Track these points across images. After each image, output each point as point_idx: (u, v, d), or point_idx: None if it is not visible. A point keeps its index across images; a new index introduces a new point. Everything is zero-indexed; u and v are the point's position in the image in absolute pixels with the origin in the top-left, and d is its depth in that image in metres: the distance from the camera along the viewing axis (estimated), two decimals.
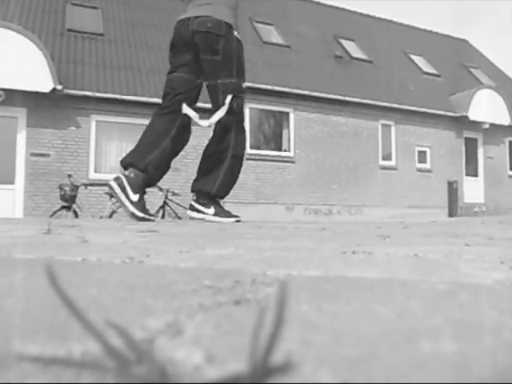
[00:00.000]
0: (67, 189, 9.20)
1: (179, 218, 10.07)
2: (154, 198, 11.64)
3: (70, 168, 11.17)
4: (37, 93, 10.77)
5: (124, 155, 3.49)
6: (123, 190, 3.17)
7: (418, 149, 16.34)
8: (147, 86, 12.29)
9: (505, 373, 0.33)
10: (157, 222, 3.60)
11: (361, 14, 20.98)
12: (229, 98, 3.19)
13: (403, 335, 0.39)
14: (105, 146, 11.98)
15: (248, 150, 13.03)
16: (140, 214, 3.13)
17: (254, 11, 16.16)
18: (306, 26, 17.67)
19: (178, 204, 10.54)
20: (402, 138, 16.03)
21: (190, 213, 3.37)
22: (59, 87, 10.84)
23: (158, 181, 3.53)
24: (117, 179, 3.22)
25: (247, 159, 13.13)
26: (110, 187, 3.23)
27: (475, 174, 17.66)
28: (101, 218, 9.34)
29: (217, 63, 3.21)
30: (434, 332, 0.40)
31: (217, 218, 3.21)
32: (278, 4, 18.01)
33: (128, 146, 12.23)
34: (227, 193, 3.39)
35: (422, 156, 16.42)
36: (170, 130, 3.40)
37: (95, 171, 11.67)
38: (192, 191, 3.45)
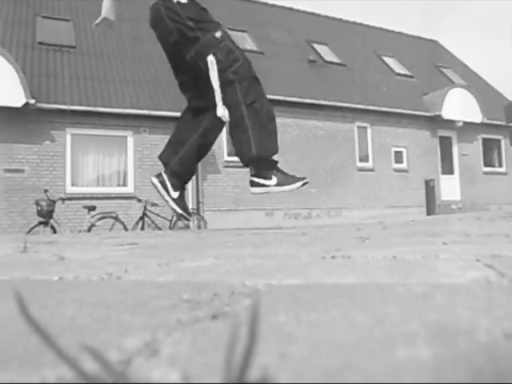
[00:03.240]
0: (44, 204, 9.06)
1: (159, 229, 10.00)
2: (132, 209, 11.56)
3: (46, 183, 11.01)
4: (9, 108, 10.62)
5: (161, 150, 3.35)
6: (164, 186, 3.17)
7: (394, 149, 16.53)
8: (122, 97, 12.20)
9: (479, 375, 0.33)
10: (136, 233, 3.57)
11: (332, 18, 21.19)
12: (209, 58, 2.94)
13: (380, 342, 0.39)
14: (81, 159, 11.85)
15: (226, 158, 13.03)
16: (179, 211, 3.15)
17: (226, 19, 16.20)
18: (278, 32, 17.77)
19: (157, 215, 10.47)
20: (378, 140, 16.20)
21: (252, 189, 3.04)
22: (32, 101, 10.69)
23: (190, 178, 3.34)
24: (158, 176, 3.23)
25: (225, 167, 13.13)
26: (152, 183, 3.24)
27: (451, 172, 17.93)
28: (79, 232, 9.23)
29: (176, 41, 3.08)
30: (411, 337, 0.40)
31: (283, 188, 2.94)
32: (250, 11, 18.10)
33: (105, 159, 12.16)
34: (271, 147, 3.01)
35: (398, 156, 16.61)
36: (199, 125, 3.23)
37: (72, 185, 11.53)
38: (245, 166, 3.10)
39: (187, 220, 3.27)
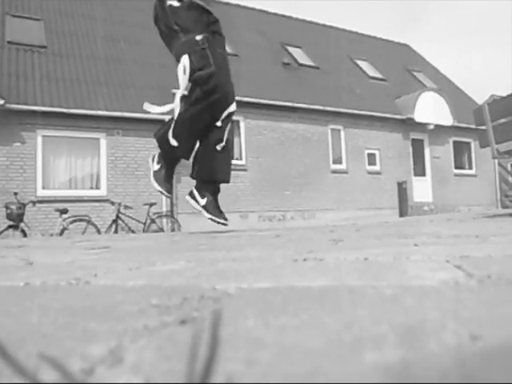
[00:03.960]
0: (13, 207, 8.88)
1: (133, 232, 9.89)
2: (105, 212, 11.42)
3: (16, 185, 10.78)
4: None
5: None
6: (194, 198, 3.24)
7: (367, 151, 16.72)
8: (95, 98, 12.05)
9: (446, 376, 0.33)
10: (109, 236, 3.52)
11: (307, 22, 21.34)
12: (183, 57, 3.00)
13: (348, 346, 0.39)
14: (53, 161, 11.65)
15: None
16: (208, 216, 3.18)
17: None
18: (253, 35, 17.81)
19: (131, 217, 10.36)
20: (351, 142, 16.36)
21: (187, 197, 3.30)
22: (1, 102, 10.48)
23: (186, 154, 3.32)
24: (190, 194, 3.29)
25: None
26: (191, 203, 3.29)
27: (423, 174, 18.22)
28: (51, 235, 9.07)
29: (168, 41, 3.20)
30: (379, 340, 0.40)
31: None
32: (224, 13, 18.05)
33: (77, 161, 11.98)
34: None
35: (371, 158, 16.81)
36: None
37: (43, 188, 11.32)
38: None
39: (221, 224, 3.25)
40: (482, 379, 0.33)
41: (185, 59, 2.99)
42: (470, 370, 0.34)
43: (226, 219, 3.23)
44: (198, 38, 3.04)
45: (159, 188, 3.24)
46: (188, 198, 3.27)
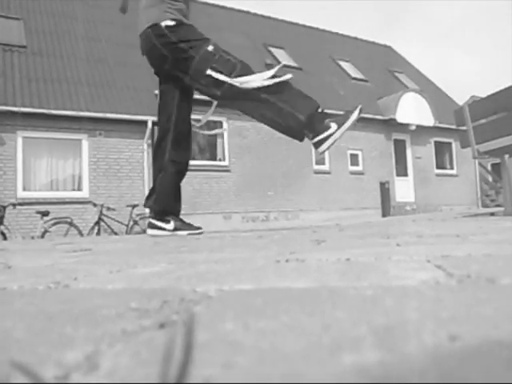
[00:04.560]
0: None
1: (115, 234, 9.81)
2: (88, 214, 11.31)
3: None
4: None
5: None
6: (159, 227, 3.15)
7: (349, 152, 16.82)
8: (76, 99, 11.92)
9: (423, 377, 0.33)
10: (91, 239, 3.49)
11: (289, 23, 21.40)
12: (208, 72, 2.99)
13: (327, 349, 0.39)
14: (34, 162, 11.50)
15: None
16: (184, 233, 3.12)
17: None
18: (235, 35, 17.80)
19: (113, 219, 10.28)
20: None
21: (148, 231, 3.20)
22: None
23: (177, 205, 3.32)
24: (151, 226, 3.19)
25: None
26: (152, 235, 3.17)
27: (405, 174, 18.39)
28: (32, 238, 8.96)
29: (173, 64, 3.11)
30: (358, 342, 0.40)
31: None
32: (207, 14, 18.04)
33: (59, 162, 11.84)
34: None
35: (354, 159, 16.91)
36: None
37: (24, 189, 11.17)
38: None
39: (199, 233, 3.21)
40: (459, 379, 0.33)
41: (211, 73, 2.98)
42: (447, 370, 0.34)
43: (199, 227, 3.24)
44: (210, 48, 3.04)
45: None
46: (151, 231, 3.16)
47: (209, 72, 2.98)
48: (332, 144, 2.98)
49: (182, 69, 3.08)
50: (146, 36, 3.12)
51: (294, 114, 2.98)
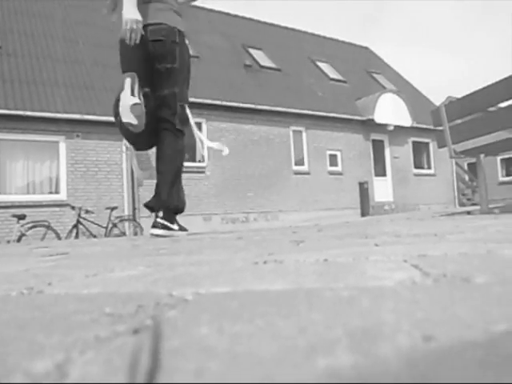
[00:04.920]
0: None
1: (94, 237, 9.70)
2: (65, 217, 11.16)
3: None
4: None
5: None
6: (166, 227, 3.15)
7: (328, 152, 16.92)
8: (53, 100, 11.76)
9: (397, 379, 0.33)
10: (69, 242, 3.44)
11: (268, 24, 21.45)
12: (187, 108, 3.24)
13: (302, 352, 0.39)
14: (9, 165, 11.31)
15: None
16: (184, 233, 3.23)
17: None
18: (214, 36, 17.77)
19: (92, 222, 10.16)
20: (313, 143, 16.52)
21: (152, 230, 3.17)
22: None
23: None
24: (158, 226, 3.17)
25: None
26: (158, 235, 3.16)
27: (383, 174, 18.57)
28: (8, 242, 8.81)
29: (175, 71, 3.19)
30: (333, 345, 0.40)
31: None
32: (185, 15, 17.98)
33: (35, 165, 11.66)
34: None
35: (333, 159, 17.02)
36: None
37: None
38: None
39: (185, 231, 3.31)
40: (433, 380, 0.33)
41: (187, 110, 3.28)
42: (421, 371, 0.34)
43: (186, 229, 3.34)
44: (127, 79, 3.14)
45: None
46: (157, 231, 3.13)
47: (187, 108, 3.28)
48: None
49: (178, 76, 3.25)
50: (161, 29, 3.22)
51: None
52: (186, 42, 3.30)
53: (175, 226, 3.20)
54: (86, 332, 0.50)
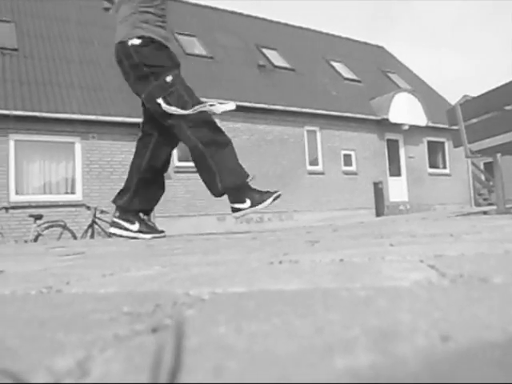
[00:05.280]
0: None
1: (109, 237, 9.78)
2: (81, 217, 11.26)
3: None
4: None
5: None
6: (122, 227, 3.21)
7: (343, 152, 16.85)
8: (69, 102, 11.88)
9: (416, 379, 0.33)
10: (85, 242, 3.47)
11: (281, 24, 21.42)
12: (158, 101, 3.08)
13: (319, 352, 0.39)
14: (26, 166, 11.44)
15: (177, 163, 12.90)
16: (147, 236, 3.18)
17: (176, 23, 16.08)
18: (228, 37, 17.80)
19: (107, 222, 10.24)
20: (327, 143, 16.46)
21: (233, 214, 3.21)
22: None
23: (150, 205, 3.38)
24: (114, 225, 3.25)
25: (176, 172, 12.98)
26: (114, 234, 3.26)
27: (398, 174, 18.44)
28: (25, 242, 8.91)
29: (134, 81, 3.21)
30: (350, 345, 0.40)
31: (257, 208, 3.11)
32: (199, 15, 18.05)
33: (52, 166, 11.78)
34: (238, 177, 3.18)
35: (347, 159, 16.94)
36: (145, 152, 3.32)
37: (16, 193, 11.11)
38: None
39: (162, 237, 3.25)
40: (451, 380, 0.33)
41: (160, 102, 3.06)
42: (439, 371, 0.34)
43: (162, 231, 3.31)
44: (168, 79, 3.10)
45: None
46: (114, 230, 3.22)
47: (159, 101, 3.08)
48: (242, 217, 3.19)
49: (139, 89, 3.19)
50: (116, 50, 3.22)
51: (215, 178, 3.11)
52: (137, 42, 3.14)
53: (133, 227, 3.20)
54: (105, 330, 0.51)
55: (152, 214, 11.62)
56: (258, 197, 3.12)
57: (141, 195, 3.25)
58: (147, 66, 3.10)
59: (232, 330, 0.47)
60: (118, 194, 3.34)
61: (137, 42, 3.10)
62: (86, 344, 0.46)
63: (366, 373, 0.33)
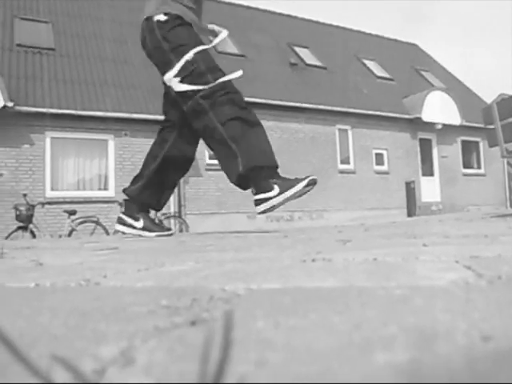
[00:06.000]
0: (23, 208, 8.93)
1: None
2: (113, 213, 11.46)
3: (25, 187, 10.86)
4: None
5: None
6: (126, 224, 3.16)
7: (374, 151, 16.67)
8: (102, 100, 12.10)
9: (457, 377, 0.33)
10: (117, 237, 3.53)
11: (313, 22, 21.33)
12: (174, 83, 2.93)
13: (358, 347, 0.39)
14: (61, 162, 11.72)
15: (208, 161, 12.99)
16: (152, 234, 3.10)
17: (207, 22, 16.18)
18: (260, 35, 17.81)
19: None
20: (358, 142, 16.32)
21: (256, 208, 2.89)
22: (10, 104, 10.56)
23: (158, 202, 3.29)
24: (120, 221, 3.21)
25: (207, 170, 13.07)
26: (118, 231, 3.26)
27: (431, 174, 18.14)
28: (60, 237, 9.12)
29: (156, 58, 3.08)
30: (389, 341, 0.40)
31: (286, 195, 2.76)
32: (231, 14, 18.11)
33: (85, 162, 12.03)
34: (260, 157, 2.84)
35: (379, 158, 16.76)
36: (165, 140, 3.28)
37: (52, 189, 11.39)
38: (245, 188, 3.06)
39: (168, 235, 3.19)
40: (493, 379, 0.33)
41: (177, 85, 2.92)
42: (480, 371, 0.34)
43: (169, 229, 3.24)
44: (189, 57, 2.90)
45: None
46: (118, 226, 3.17)
47: (176, 80, 2.94)
48: (270, 209, 2.82)
49: (160, 66, 3.06)
50: (141, 29, 3.09)
51: (236, 159, 2.79)
52: (162, 18, 2.98)
53: (138, 224, 3.12)
54: (145, 322, 0.52)
55: (183, 210, 11.75)
56: (288, 182, 2.77)
57: (152, 188, 3.15)
58: (169, 41, 2.94)
59: (271, 324, 0.48)
60: (131, 182, 3.28)
61: (162, 17, 2.96)
62: (128, 334, 0.47)
63: (407, 368, 0.34)
